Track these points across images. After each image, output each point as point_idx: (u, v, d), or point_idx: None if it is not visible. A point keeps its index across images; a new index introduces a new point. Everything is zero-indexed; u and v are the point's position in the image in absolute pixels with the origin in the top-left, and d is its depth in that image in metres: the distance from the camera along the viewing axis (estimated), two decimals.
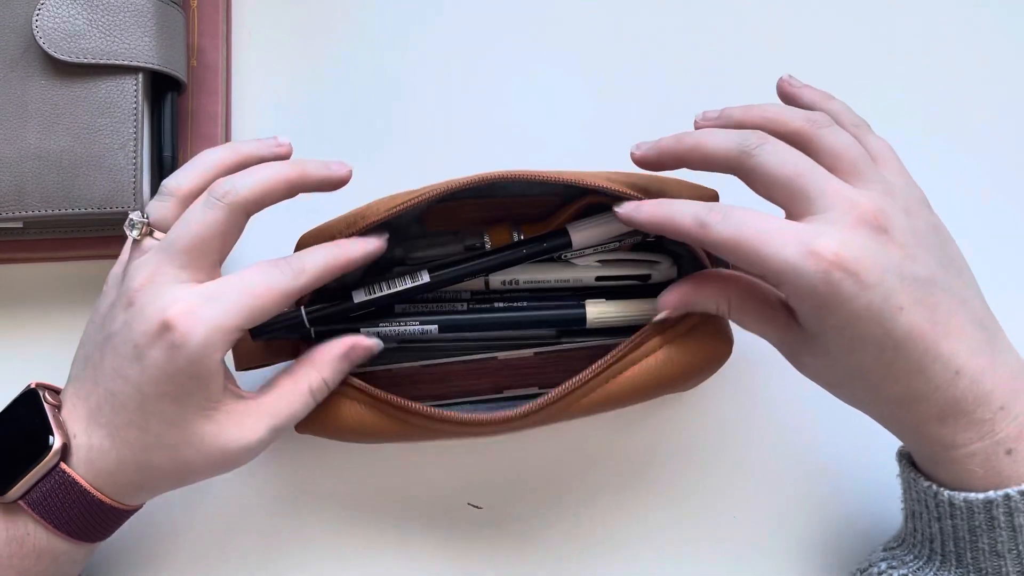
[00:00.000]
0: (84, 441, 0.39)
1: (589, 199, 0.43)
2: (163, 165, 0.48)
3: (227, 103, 0.52)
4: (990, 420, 0.36)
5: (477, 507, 0.48)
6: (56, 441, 0.38)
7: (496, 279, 0.44)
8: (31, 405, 0.39)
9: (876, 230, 0.36)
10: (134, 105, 0.46)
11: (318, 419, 0.42)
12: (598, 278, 0.44)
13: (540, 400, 0.40)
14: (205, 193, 0.39)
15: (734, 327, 0.42)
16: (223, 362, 0.39)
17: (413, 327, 0.42)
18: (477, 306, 0.43)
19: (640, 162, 0.41)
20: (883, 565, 0.40)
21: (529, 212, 0.44)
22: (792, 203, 0.37)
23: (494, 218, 0.44)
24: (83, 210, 0.46)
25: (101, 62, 0.46)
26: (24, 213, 0.46)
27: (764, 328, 0.39)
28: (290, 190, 0.40)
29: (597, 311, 0.43)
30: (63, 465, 0.38)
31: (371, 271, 0.45)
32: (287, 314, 0.42)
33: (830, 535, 0.47)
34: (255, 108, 0.52)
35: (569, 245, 0.42)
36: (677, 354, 0.41)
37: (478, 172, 0.41)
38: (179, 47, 0.49)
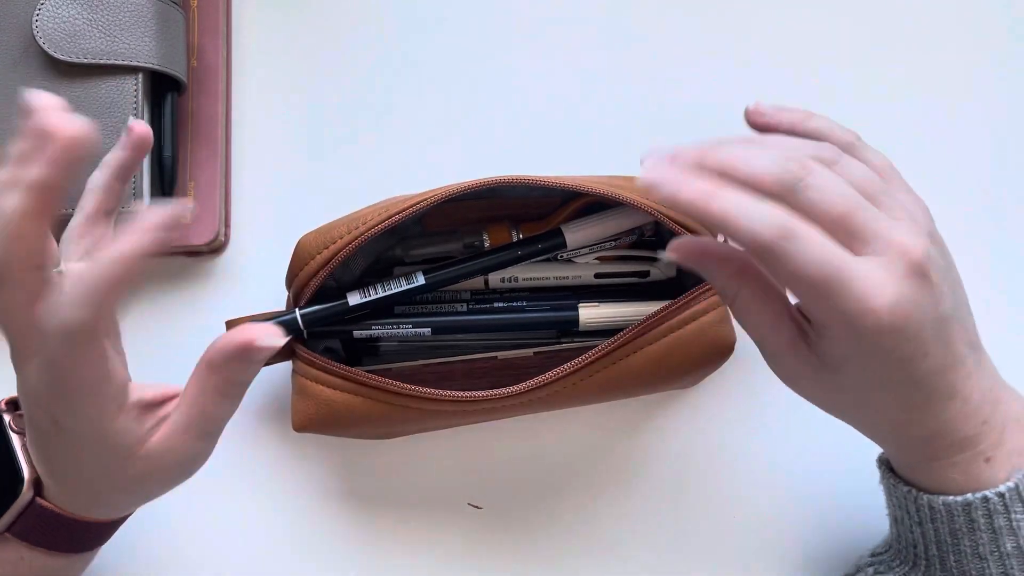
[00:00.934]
0: (49, 482, 0.37)
1: (588, 198, 0.43)
2: (163, 165, 0.48)
3: (227, 103, 0.52)
4: (974, 435, 0.36)
5: (477, 507, 0.47)
6: (26, 475, 0.37)
7: (495, 277, 0.44)
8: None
9: (921, 277, 0.33)
10: (134, 105, 0.46)
11: (311, 412, 0.42)
12: (597, 275, 0.44)
13: (537, 379, 0.40)
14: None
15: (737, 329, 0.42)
16: (134, 415, 0.36)
17: (407, 329, 0.42)
18: (476, 306, 0.43)
19: (651, 187, 0.33)
20: (870, 571, 0.41)
21: (528, 211, 0.44)
22: (846, 240, 0.33)
23: (493, 217, 0.44)
24: None
25: (101, 62, 0.46)
26: None
27: (767, 335, 0.36)
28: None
29: (589, 314, 0.43)
30: (39, 499, 0.37)
31: (369, 271, 0.45)
32: (282, 316, 0.42)
33: (829, 537, 0.47)
34: (255, 108, 0.52)
35: (564, 245, 0.42)
36: (680, 345, 0.41)
37: (479, 176, 0.41)
38: (179, 47, 0.49)
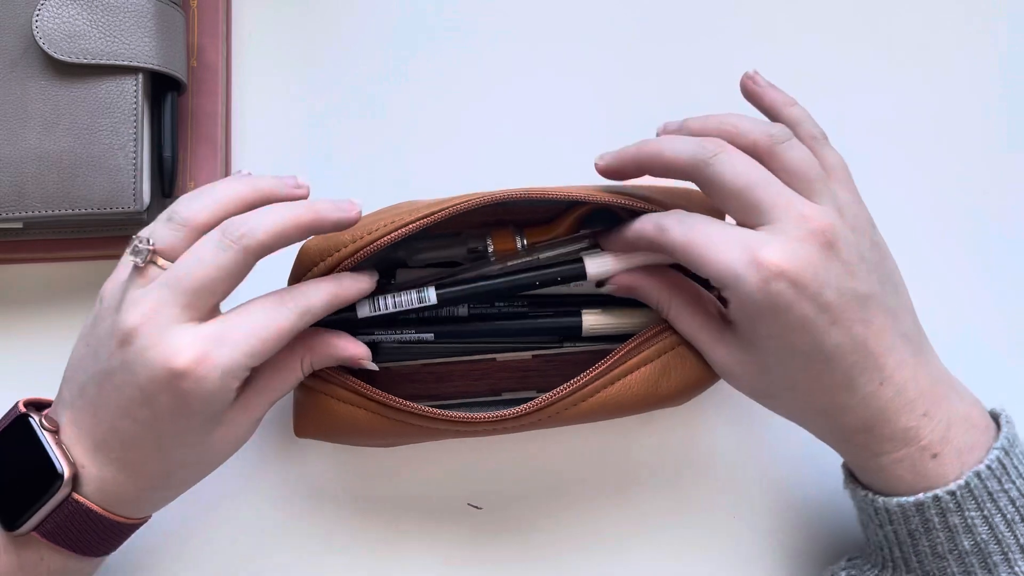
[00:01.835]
0: (95, 473, 0.38)
1: (593, 205, 0.43)
2: (163, 165, 0.48)
3: (227, 103, 0.52)
4: (914, 427, 0.37)
5: (477, 507, 0.48)
6: (66, 472, 0.37)
7: None
8: (25, 432, 0.38)
9: (823, 245, 0.37)
10: (134, 105, 0.46)
11: (315, 421, 0.43)
12: (599, 283, 0.44)
13: (533, 403, 0.40)
14: (218, 231, 0.37)
15: None
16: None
17: (409, 335, 0.43)
18: (479, 311, 0.43)
19: (603, 172, 0.42)
20: (843, 575, 0.42)
21: (533, 216, 0.45)
22: (744, 213, 0.38)
23: (497, 221, 0.44)
24: (83, 211, 0.46)
25: (101, 62, 0.46)
26: (24, 213, 0.45)
27: (697, 333, 0.41)
28: (304, 233, 0.38)
29: (593, 321, 0.43)
30: (76, 495, 0.37)
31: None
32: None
33: (827, 538, 0.47)
34: (255, 108, 0.52)
35: (583, 277, 0.42)
36: (673, 368, 0.41)
37: (481, 176, 0.41)
38: (179, 47, 0.48)
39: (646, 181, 0.43)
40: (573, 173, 0.48)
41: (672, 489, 0.48)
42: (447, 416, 0.40)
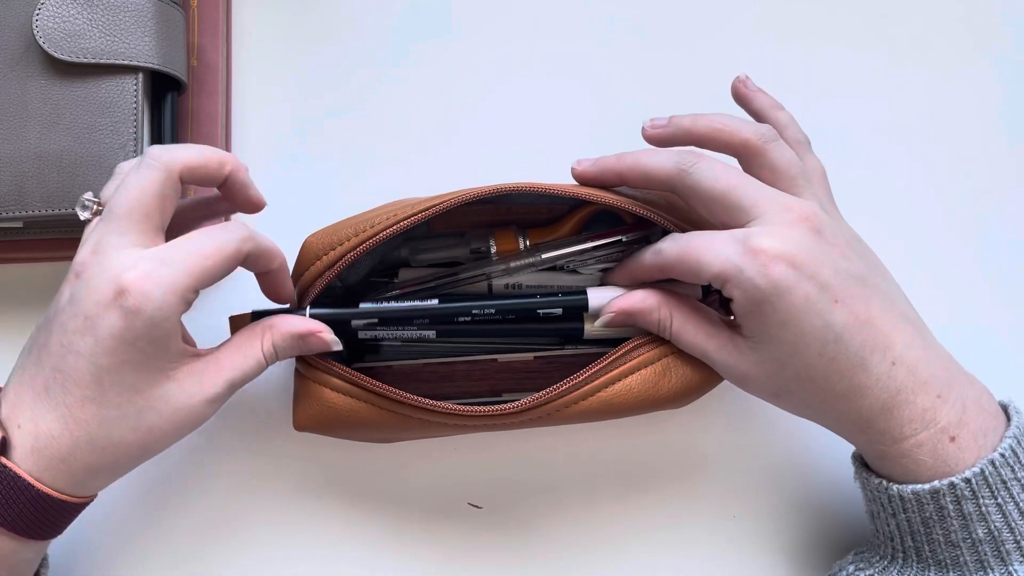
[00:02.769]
0: (31, 428, 0.37)
1: (595, 207, 0.43)
2: None
3: (227, 103, 0.52)
4: (931, 408, 0.38)
5: (477, 507, 0.48)
6: None
7: (499, 282, 0.44)
8: None
9: (811, 229, 0.38)
10: (134, 105, 0.46)
11: (313, 413, 0.43)
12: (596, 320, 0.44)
13: (532, 398, 0.40)
14: (139, 158, 0.39)
15: None
16: (180, 322, 0.38)
17: (411, 331, 0.43)
18: (479, 313, 0.43)
19: (579, 178, 0.43)
20: (851, 568, 0.42)
21: (536, 217, 0.45)
22: (729, 215, 0.39)
23: (500, 222, 0.44)
24: None
25: (101, 62, 0.46)
26: (24, 213, 0.45)
27: (707, 344, 0.41)
28: (220, 171, 0.40)
29: (594, 324, 0.43)
30: (2, 459, 0.36)
31: (375, 271, 0.45)
32: (292, 312, 0.42)
33: (829, 536, 0.47)
34: (255, 108, 0.52)
35: (585, 307, 0.42)
36: (673, 369, 0.42)
37: (482, 176, 0.41)
38: (179, 47, 0.48)
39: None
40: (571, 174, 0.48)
41: (672, 489, 0.48)
42: (445, 408, 0.40)
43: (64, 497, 0.38)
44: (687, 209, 0.42)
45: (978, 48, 0.54)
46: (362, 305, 0.42)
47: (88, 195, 0.40)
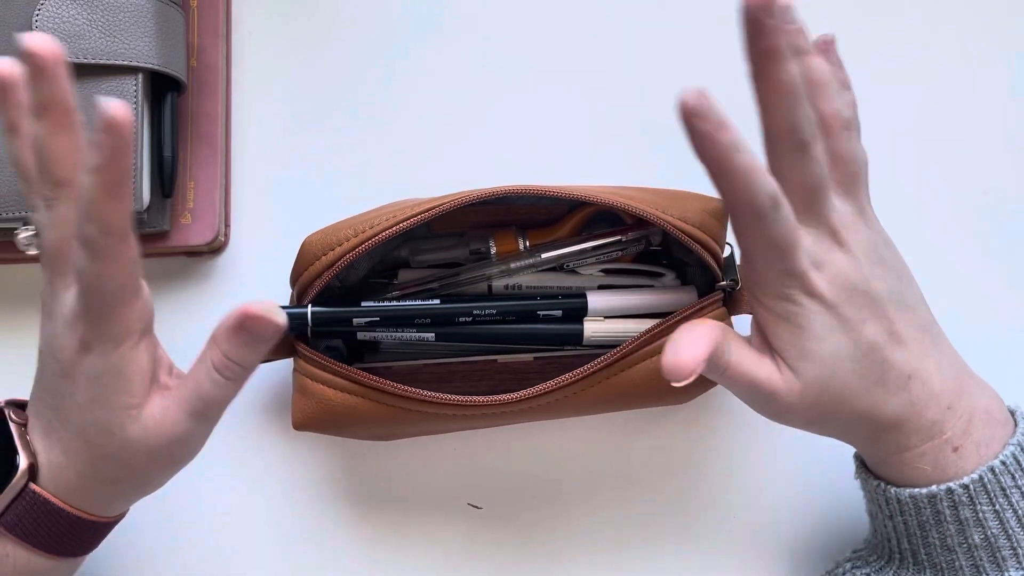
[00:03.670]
0: (45, 459, 0.38)
1: (595, 207, 0.43)
2: (163, 165, 0.48)
3: (227, 103, 0.52)
4: (939, 421, 0.37)
5: (477, 507, 0.48)
6: (22, 462, 0.37)
7: (499, 283, 0.44)
8: (1, 427, 0.38)
9: (839, 245, 0.36)
10: (134, 105, 0.46)
11: (312, 412, 0.43)
12: (601, 287, 0.44)
13: (534, 388, 0.40)
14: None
15: None
16: (148, 358, 0.37)
17: (410, 333, 0.43)
18: (480, 314, 0.44)
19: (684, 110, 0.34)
20: (848, 566, 0.42)
21: (536, 218, 0.45)
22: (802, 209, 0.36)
23: (500, 222, 0.44)
24: None
25: (101, 62, 0.46)
26: (24, 213, 0.45)
27: (757, 373, 0.37)
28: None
29: (594, 328, 0.43)
30: (32, 485, 0.37)
31: (374, 272, 0.45)
32: (292, 309, 0.42)
33: (830, 534, 0.47)
34: (255, 108, 0.52)
35: (584, 311, 0.42)
36: None
37: (483, 177, 0.41)
38: (179, 47, 0.48)
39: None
40: (573, 177, 0.48)
41: (672, 489, 0.48)
42: (445, 399, 0.40)
43: (91, 517, 0.38)
44: (683, 205, 0.41)
45: (985, 43, 0.54)
46: (363, 304, 0.42)
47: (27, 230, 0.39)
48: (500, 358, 0.45)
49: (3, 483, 0.37)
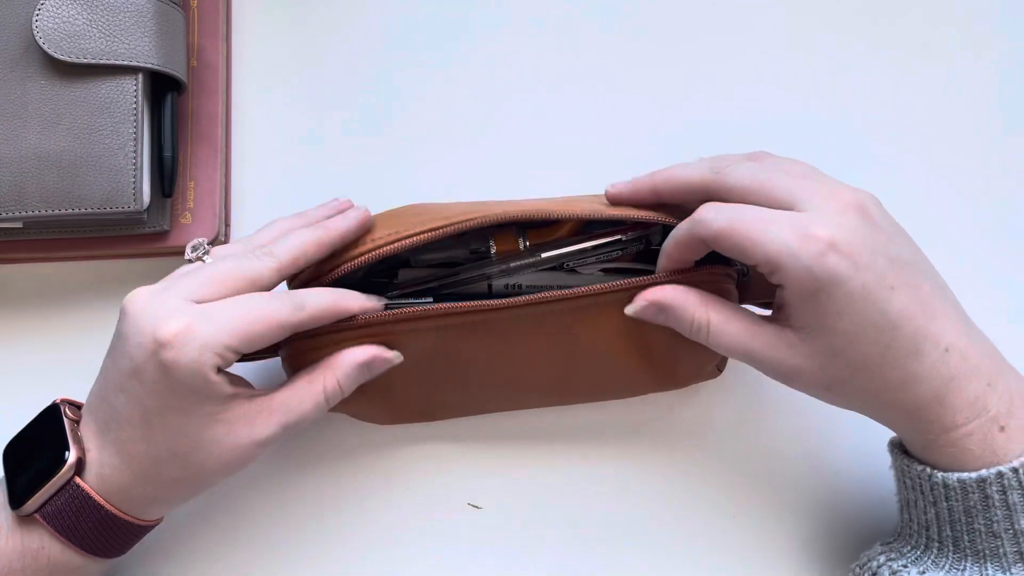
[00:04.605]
0: (96, 456, 0.39)
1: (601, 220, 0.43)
2: (163, 165, 0.48)
3: (227, 103, 0.52)
4: (982, 397, 0.37)
5: (477, 507, 0.48)
6: (71, 455, 0.38)
7: (499, 283, 0.44)
8: (52, 419, 0.40)
9: (861, 214, 0.37)
10: (134, 105, 0.46)
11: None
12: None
13: (537, 296, 0.40)
14: (249, 242, 0.42)
15: None
16: (224, 372, 0.38)
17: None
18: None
19: (615, 199, 0.42)
20: (881, 559, 0.41)
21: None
22: (772, 204, 0.38)
23: (500, 223, 0.44)
24: (83, 210, 0.46)
25: (101, 62, 0.46)
26: (24, 213, 0.45)
27: (751, 342, 0.39)
28: (320, 250, 0.41)
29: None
30: (77, 479, 0.38)
31: (374, 271, 0.45)
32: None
33: (831, 533, 0.47)
34: (255, 108, 0.52)
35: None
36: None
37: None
38: (179, 47, 0.48)
39: None
40: (575, 179, 0.48)
41: (672, 489, 0.48)
42: (467, 307, 0.40)
43: (130, 519, 0.39)
44: (681, 212, 0.42)
45: (979, 45, 0.54)
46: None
47: (201, 240, 0.42)
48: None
49: (50, 474, 0.38)
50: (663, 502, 0.48)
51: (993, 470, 0.36)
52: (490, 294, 0.44)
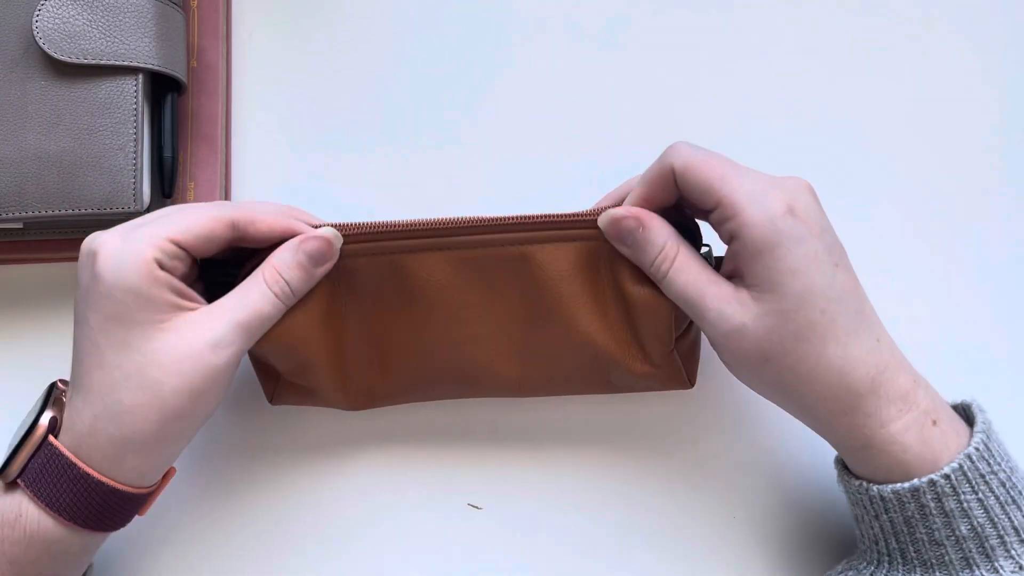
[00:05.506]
0: (69, 411, 0.39)
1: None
2: (163, 165, 0.48)
3: (227, 103, 0.52)
4: (912, 391, 0.38)
5: (477, 507, 0.48)
6: (45, 416, 0.39)
7: None
8: (47, 395, 0.41)
9: (812, 195, 0.38)
10: (134, 106, 0.46)
11: (275, 368, 0.43)
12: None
13: (487, 216, 0.41)
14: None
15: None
16: (166, 277, 0.38)
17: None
18: None
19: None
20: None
21: None
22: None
23: None
24: (83, 211, 0.46)
25: (101, 63, 0.46)
26: (24, 213, 0.45)
27: (706, 288, 0.39)
28: (274, 233, 0.41)
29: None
30: (51, 438, 0.38)
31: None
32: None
33: (831, 533, 0.47)
34: (255, 108, 0.52)
35: None
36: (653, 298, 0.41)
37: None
38: (179, 47, 0.48)
39: None
40: (575, 180, 0.48)
41: (671, 489, 0.48)
42: (391, 226, 0.41)
43: (105, 480, 0.38)
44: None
45: (973, 51, 0.54)
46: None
47: None
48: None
49: (28, 437, 0.39)
50: (663, 503, 0.48)
51: (925, 479, 0.37)
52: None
